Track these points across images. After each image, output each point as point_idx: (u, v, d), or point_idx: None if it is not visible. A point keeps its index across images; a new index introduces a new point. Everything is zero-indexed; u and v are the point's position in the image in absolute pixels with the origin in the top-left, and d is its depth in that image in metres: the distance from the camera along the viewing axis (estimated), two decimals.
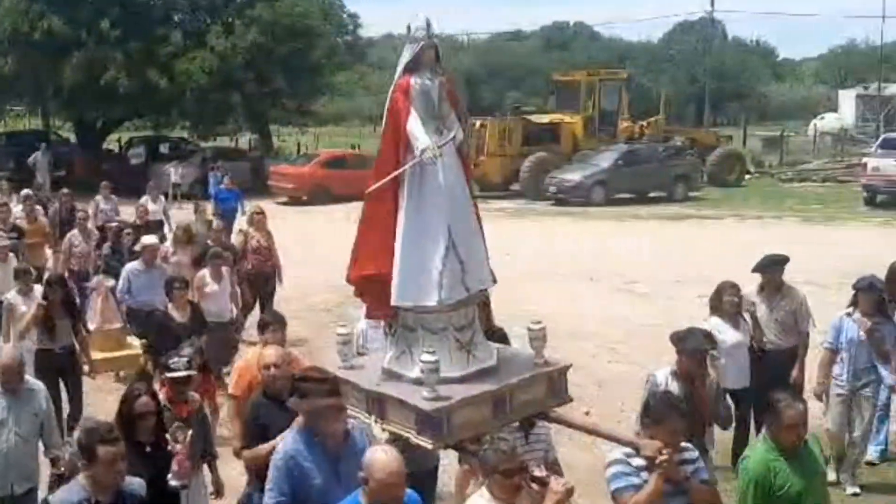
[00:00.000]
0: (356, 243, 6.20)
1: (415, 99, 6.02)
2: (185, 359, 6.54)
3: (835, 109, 52.52)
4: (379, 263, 6.06)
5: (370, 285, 6.17)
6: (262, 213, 13.66)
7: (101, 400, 9.96)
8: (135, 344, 10.62)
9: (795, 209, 27.86)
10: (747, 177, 35.23)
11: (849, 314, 8.35)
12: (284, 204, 29.71)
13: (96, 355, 10.30)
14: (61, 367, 9.30)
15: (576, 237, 22.61)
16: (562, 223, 25.65)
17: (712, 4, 55.30)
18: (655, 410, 5.45)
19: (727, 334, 8.32)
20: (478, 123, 31.15)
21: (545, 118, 34.20)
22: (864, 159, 29.71)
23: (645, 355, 11.11)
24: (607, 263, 18.32)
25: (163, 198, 20.12)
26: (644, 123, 35.19)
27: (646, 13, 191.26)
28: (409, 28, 6.19)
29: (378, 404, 5.85)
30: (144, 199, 18.18)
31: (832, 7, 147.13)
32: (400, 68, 6.15)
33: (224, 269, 11.57)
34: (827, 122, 47.02)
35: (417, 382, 5.74)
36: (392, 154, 6.02)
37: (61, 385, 9.14)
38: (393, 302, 6.02)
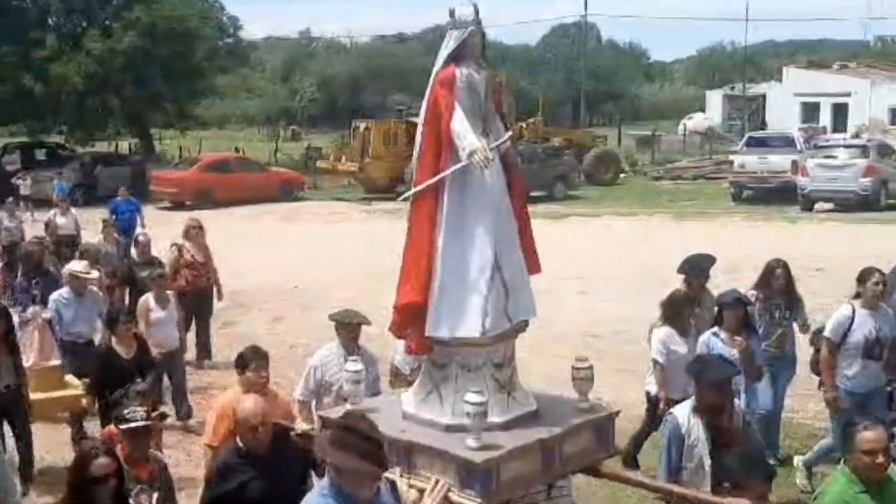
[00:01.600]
0: (403, 263, 5.31)
1: (459, 93, 5.26)
2: (141, 409, 5.38)
3: (703, 109, 54.16)
4: (426, 289, 5.17)
5: (415, 316, 5.21)
6: (198, 226, 12.39)
7: (52, 440, 9.21)
8: (75, 383, 9.14)
9: (668, 206, 28.65)
10: (622, 175, 36.11)
11: (716, 333, 7.65)
12: (167, 209, 29.09)
13: (34, 396, 8.72)
14: (5, 408, 8.31)
15: None
16: None
17: (585, 7, 56.42)
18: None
19: (679, 345, 7.90)
20: (362, 126, 31.05)
21: None
22: (731, 157, 30.71)
23: (528, 353, 11.22)
24: None
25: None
26: (523, 125, 35.70)
27: (522, 16, 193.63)
28: (452, 13, 5.46)
29: (404, 455, 4.91)
30: (53, 212, 16.91)
31: (699, 10, 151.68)
32: (442, 57, 5.37)
33: (169, 291, 10.48)
34: (696, 121, 48.43)
35: (454, 429, 4.95)
36: (432, 158, 5.25)
37: (6, 428, 8.34)
38: (427, 332, 5.16)
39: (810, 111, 46.97)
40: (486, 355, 5.15)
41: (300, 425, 6.13)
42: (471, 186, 5.19)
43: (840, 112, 45.85)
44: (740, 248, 18.28)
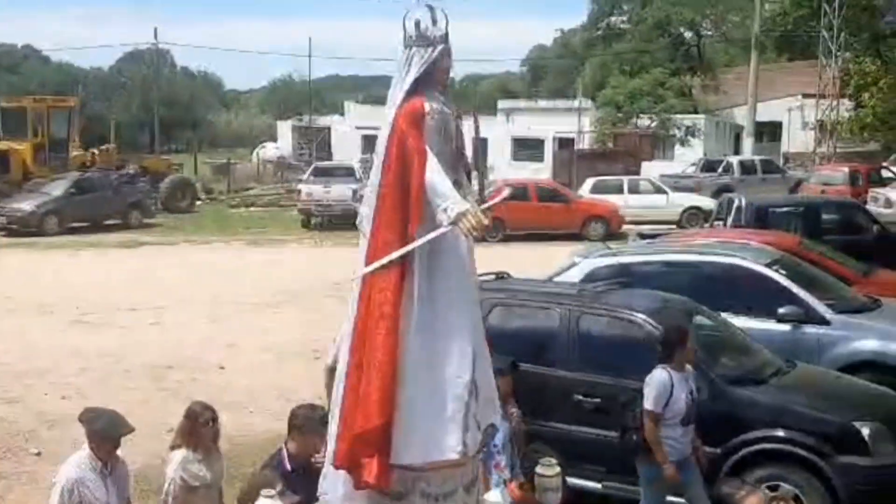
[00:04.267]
0: (351, 369, 4.13)
1: (431, 134, 4.14)
2: None
3: (275, 139, 55.16)
4: (389, 406, 4.01)
5: (375, 443, 4.02)
6: None
7: None
8: None
9: (243, 233, 28.93)
10: (198, 203, 35.81)
11: None
12: None
13: None
14: None
15: (29, 269, 21.38)
16: (14, 254, 24.06)
17: (156, 35, 55.42)
18: None
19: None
20: None
21: None
22: (299, 185, 31.62)
23: (98, 389, 10.95)
24: (62, 294, 17.62)
25: None
26: (96, 151, 34.24)
27: (96, 40, 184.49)
28: (415, 25, 4.22)
29: None
30: None
31: (270, 43, 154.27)
32: (407, 83, 4.21)
33: None
34: (268, 150, 49.20)
35: None
36: (396, 216, 4.08)
37: None
38: (392, 461, 4.03)
39: (370, 143, 49.45)
40: (459, 478, 4.15)
41: None
42: (439, 255, 4.08)
43: None
44: (317, 270, 19.05)
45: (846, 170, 28.68)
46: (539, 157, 43.55)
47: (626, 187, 28.74)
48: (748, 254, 10.34)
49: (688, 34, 52.14)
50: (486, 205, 4.29)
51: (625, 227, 25.41)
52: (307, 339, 13.29)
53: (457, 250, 4.18)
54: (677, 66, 49.01)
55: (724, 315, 8.66)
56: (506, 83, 75.48)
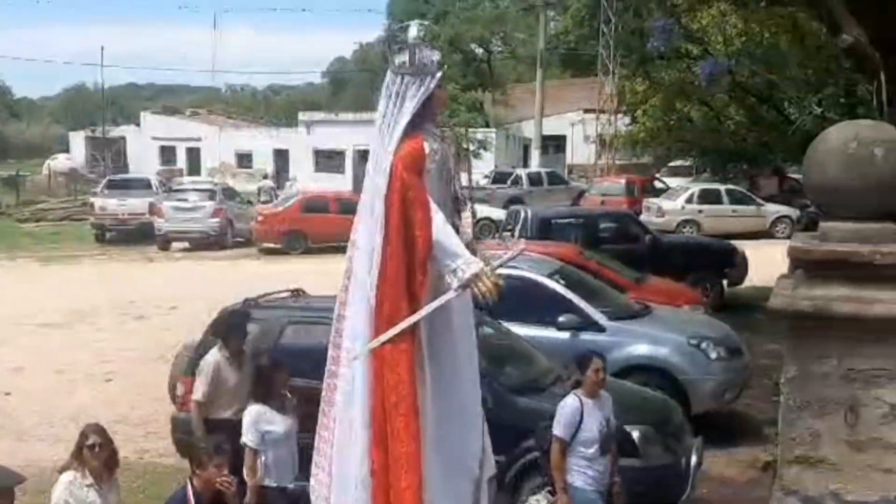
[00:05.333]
0: (376, 476, 3.74)
1: (430, 179, 3.69)
2: None
3: (68, 150, 52.43)
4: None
5: None
6: None
7: None
8: None
9: (33, 250, 27.24)
10: None
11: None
12: None
13: None
14: None
15: None
16: None
17: None
18: None
19: (276, 422, 6.23)
20: None
21: None
22: (92, 199, 30.16)
23: None
24: None
25: None
26: None
27: None
28: (413, 54, 3.68)
29: None
30: None
31: (61, 50, 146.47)
32: (403, 122, 3.71)
33: None
34: (59, 162, 46.73)
35: None
36: (402, 281, 3.65)
37: None
38: None
39: (168, 154, 48.03)
40: None
41: None
42: (441, 311, 3.65)
43: (194, 156, 47.58)
44: (105, 289, 18.16)
45: (623, 181, 30.15)
46: (340, 170, 43.45)
47: None
48: (531, 265, 10.64)
49: (479, 51, 53.46)
50: (498, 262, 3.83)
51: None
52: (100, 361, 12.70)
53: (455, 326, 3.86)
54: (469, 81, 50.15)
55: (511, 325, 8.86)
56: (307, 95, 74.95)
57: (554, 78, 51.76)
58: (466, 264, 3.62)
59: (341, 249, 20.69)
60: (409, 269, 3.69)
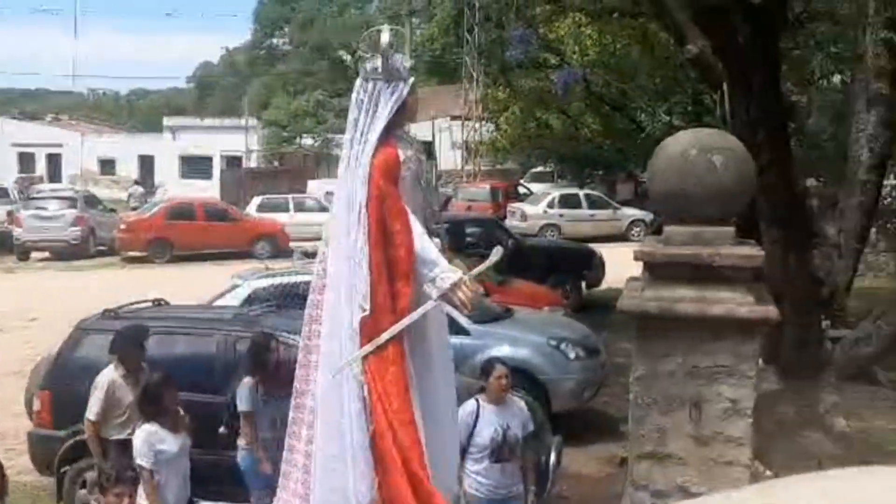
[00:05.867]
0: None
1: (406, 188, 3.64)
2: None
3: None
4: None
5: None
6: None
7: None
8: None
9: None
10: None
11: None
12: None
13: None
14: None
15: None
16: None
17: None
18: None
19: (168, 441, 5.90)
20: None
21: None
22: None
23: None
24: None
25: None
26: None
27: None
28: (386, 58, 3.59)
29: None
30: None
31: None
32: (378, 128, 3.64)
33: None
34: None
35: None
36: (387, 291, 3.59)
37: None
38: None
39: (27, 161, 45.94)
40: None
41: None
42: (419, 334, 3.62)
43: (55, 162, 45.67)
44: None
45: (488, 187, 30.54)
46: (207, 175, 42.49)
47: (291, 205, 28.71)
48: None
49: (347, 57, 53.21)
50: (475, 270, 3.78)
51: (292, 244, 25.38)
52: None
53: (433, 312, 3.78)
54: (338, 87, 49.83)
55: None
56: (172, 99, 73.00)
57: (422, 85, 51.99)
58: (444, 273, 3.61)
59: (208, 257, 20.41)
60: (389, 277, 3.65)
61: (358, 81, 3.86)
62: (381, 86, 3.74)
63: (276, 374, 6.28)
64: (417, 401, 3.72)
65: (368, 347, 3.60)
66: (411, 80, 3.80)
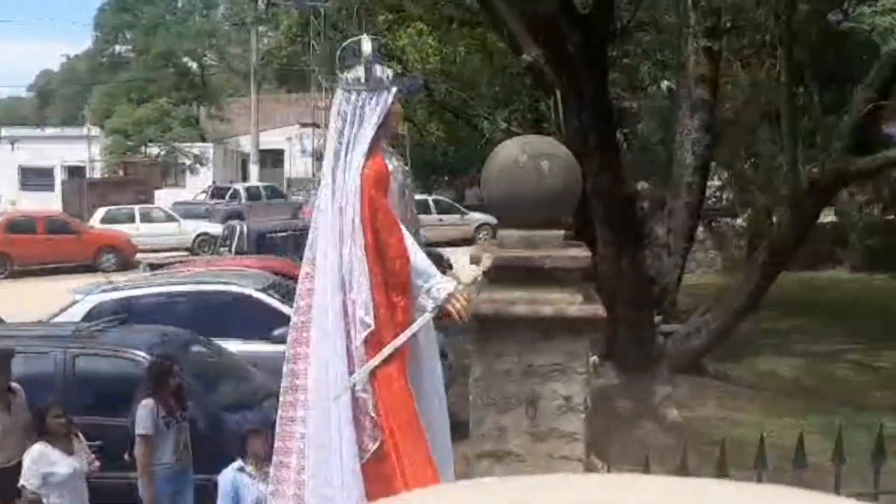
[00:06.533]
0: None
1: (393, 198, 3.56)
2: None
3: None
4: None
5: None
6: None
7: None
8: None
9: None
10: None
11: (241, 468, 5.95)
12: None
13: None
14: None
15: None
16: None
17: None
18: None
19: (59, 463, 5.67)
20: None
21: None
22: None
23: None
24: None
25: None
26: None
27: None
28: (369, 68, 3.45)
29: None
30: None
31: None
32: (367, 139, 3.49)
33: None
34: None
35: None
36: (386, 298, 3.50)
37: None
38: None
39: None
40: None
41: None
42: (414, 345, 3.57)
43: None
44: None
45: None
46: (49, 187, 40.54)
47: (137, 216, 27.76)
48: (245, 280, 10.41)
49: (192, 64, 51.81)
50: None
51: (139, 256, 24.51)
52: None
53: (423, 344, 3.81)
54: (183, 95, 48.48)
55: (225, 342, 8.59)
56: (11, 109, 69.25)
57: (271, 92, 51.23)
58: (439, 283, 3.62)
59: (49, 272, 19.58)
60: (387, 292, 3.62)
61: (339, 93, 3.78)
62: (364, 96, 3.67)
63: (176, 395, 6.21)
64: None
65: (373, 362, 3.58)
66: (394, 89, 3.76)
